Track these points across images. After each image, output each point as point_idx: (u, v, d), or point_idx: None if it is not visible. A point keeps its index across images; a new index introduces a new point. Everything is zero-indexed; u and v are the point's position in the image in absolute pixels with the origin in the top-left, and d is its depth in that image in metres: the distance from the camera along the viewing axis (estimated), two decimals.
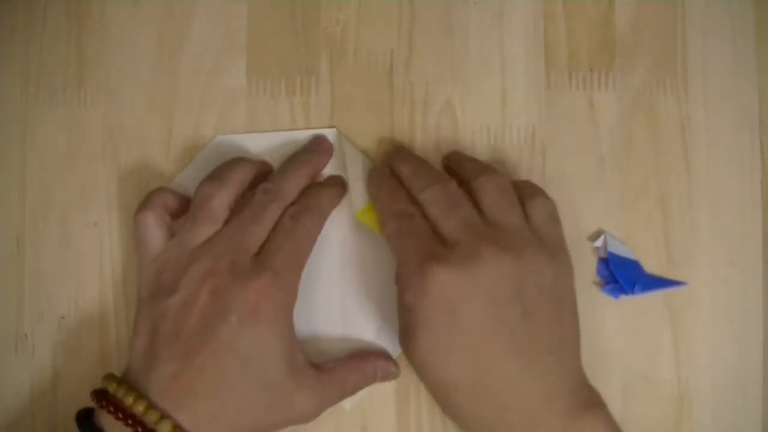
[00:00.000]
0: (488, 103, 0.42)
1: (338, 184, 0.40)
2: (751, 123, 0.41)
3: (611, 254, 0.40)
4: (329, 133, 0.41)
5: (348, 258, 0.40)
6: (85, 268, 0.41)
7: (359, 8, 0.42)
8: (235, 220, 0.36)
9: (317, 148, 0.40)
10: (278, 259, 0.35)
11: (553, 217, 0.37)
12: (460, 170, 0.39)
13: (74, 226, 0.41)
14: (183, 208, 0.38)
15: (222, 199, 0.36)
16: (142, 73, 0.42)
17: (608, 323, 0.40)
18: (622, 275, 0.40)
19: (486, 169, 0.38)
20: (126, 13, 0.42)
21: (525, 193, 0.37)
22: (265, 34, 0.42)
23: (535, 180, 0.41)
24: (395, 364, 0.39)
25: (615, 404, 0.40)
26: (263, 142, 0.41)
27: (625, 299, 0.40)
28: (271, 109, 0.42)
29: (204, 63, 0.42)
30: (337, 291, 0.40)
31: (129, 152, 0.41)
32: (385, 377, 0.39)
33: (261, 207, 0.36)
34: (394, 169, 0.39)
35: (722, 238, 0.41)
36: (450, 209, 0.35)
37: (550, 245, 0.36)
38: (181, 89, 0.42)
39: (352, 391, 0.38)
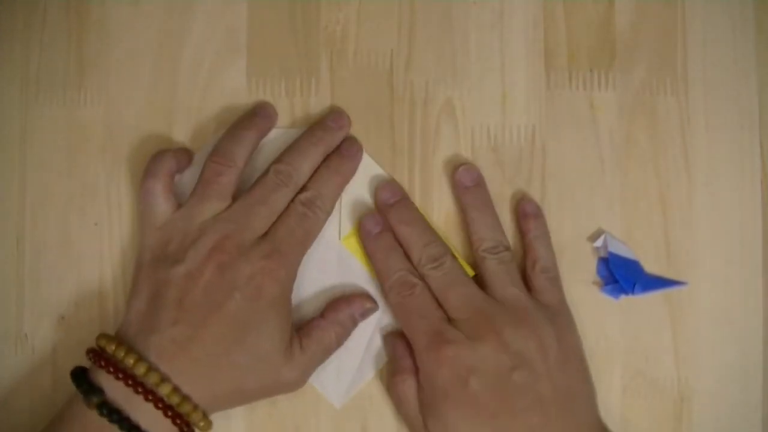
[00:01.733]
0: (488, 103, 0.42)
1: (351, 160, 0.40)
2: (751, 123, 0.41)
3: (611, 254, 0.40)
4: None
5: (344, 252, 0.41)
6: (85, 268, 0.41)
7: (359, 8, 0.42)
8: (245, 198, 0.38)
9: (334, 124, 0.40)
10: (287, 242, 0.37)
11: (552, 280, 0.39)
12: (469, 222, 0.40)
13: (74, 226, 0.41)
14: (185, 164, 0.39)
15: (230, 176, 0.38)
16: (142, 73, 0.42)
17: (608, 323, 0.40)
18: (622, 275, 0.40)
19: (486, 236, 0.39)
20: (126, 13, 0.42)
21: (529, 256, 0.39)
22: (265, 34, 0.42)
23: (535, 180, 0.41)
24: (370, 299, 0.40)
25: (615, 404, 0.40)
26: (266, 139, 0.41)
27: (625, 299, 0.40)
28: None
29: (204, 63, 0.42)
30: (335, 273, 0.41)
31: (129, 152, 0.41)
32: (364, 315, 0.39)
33: (272, 189, 0.38)
34: (390, 224, 0.40)
35: (722, 238, 0.41)
36: (449, 287, 0.38)
37: (551, 309, 0.38)
38: (181, 89, 0.42)
39: (338, 344, 0.39)
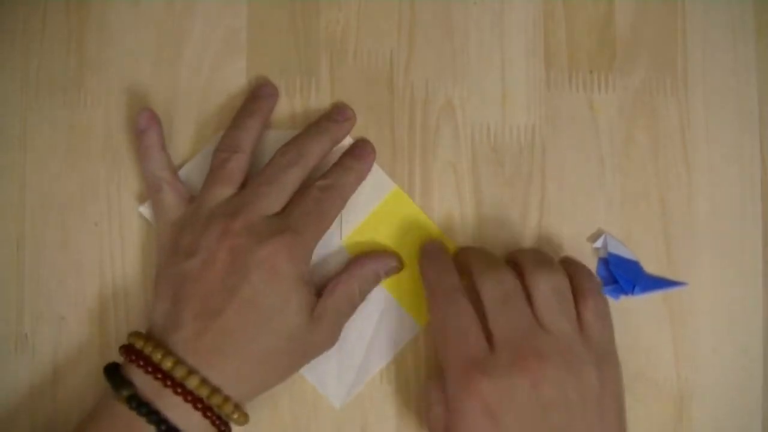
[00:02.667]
0: (488, 103, 0.42)
1: (364, 160, 0.40)
2: (751, 123, 0.41)
3: (611, 254, 0.40)
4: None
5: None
6: (85, 268, 0.41)
7: (359, 8, 0.42)
8: (253, 181, 0.37)
9: (339, 117, 0.40)
10: (302, 222, 0.36)
11: (604, 321, 0.36)
12: (519, 258, 0.37)
13: (74, 226, 0.41)
14: (160, 128, 0.39)
15: (237, 162, 0.37)
16: (142, 73, 0.42)
17: None
18: (622, 276, 0.40)
19: (544, 262, 0.36)
20: (126, 13, 0.42)
21: (578, 291, 0.36)
22: (265, 34, 0.42)
23: (535, 180, 0.41)
24: (398, 258, 0.40)
25: None
26: (268, 139, 0.41)
27: (625, 299, 0.40)
28: None
29: (204, 63, 0.42)
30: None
31: (129, 152, 0.41)
32: (389, 273, 0.39)
33: (279, 169, 0.37)
34: (456, 254, 0.39)
35: (722, 238, 0.41)
36: (503, 305, 0.35)
37: (599, 351, 0.35)
38: (181, 90, 0.42)
39: (361, 298, 0.38)
